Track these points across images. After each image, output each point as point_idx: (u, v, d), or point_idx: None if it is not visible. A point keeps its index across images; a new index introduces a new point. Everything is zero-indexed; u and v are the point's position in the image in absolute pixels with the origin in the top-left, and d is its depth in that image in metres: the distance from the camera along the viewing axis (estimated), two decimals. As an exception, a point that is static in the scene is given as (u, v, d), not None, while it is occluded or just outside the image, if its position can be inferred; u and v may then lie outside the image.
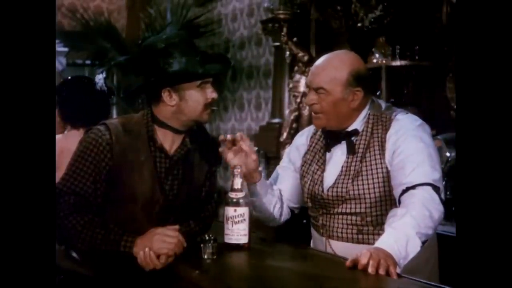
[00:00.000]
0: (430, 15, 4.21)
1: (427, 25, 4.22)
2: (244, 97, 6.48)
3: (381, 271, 1.99)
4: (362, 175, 2.39)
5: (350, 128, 2.45)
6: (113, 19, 7.73)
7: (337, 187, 2.43)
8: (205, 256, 2.23)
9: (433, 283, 2.03)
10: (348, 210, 2.41)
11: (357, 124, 2.45)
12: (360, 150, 2.42)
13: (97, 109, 3.05)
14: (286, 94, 5.24)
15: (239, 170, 2.37)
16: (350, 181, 2.40)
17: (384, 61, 4.28)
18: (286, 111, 5.17)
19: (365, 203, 2.38)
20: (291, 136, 4.93)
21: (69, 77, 3.32)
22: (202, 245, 2.24)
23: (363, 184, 2.38)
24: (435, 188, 2.26)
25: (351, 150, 2.43)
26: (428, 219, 2.18)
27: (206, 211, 2.49)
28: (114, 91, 3.24)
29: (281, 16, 4.94)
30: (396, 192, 2.32)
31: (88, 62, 7.20)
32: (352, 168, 2.41)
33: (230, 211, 2.33)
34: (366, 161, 2.40)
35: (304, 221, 2.70)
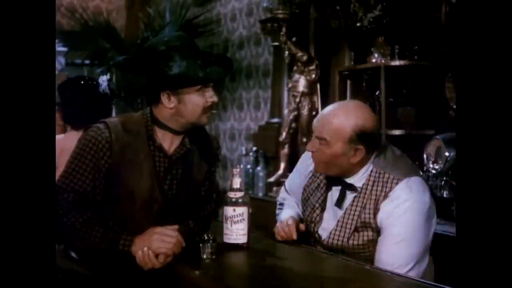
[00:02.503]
0: (429, 15, 4.20)
1: (426, 25, 4.22)
2: (243, 96, 6.48)
3: None
4: (358, 235, 2.39)
5: (348, 180, 2.45)
6: (112, 19, 7.72)
7: (332, 239, 2.45)
8: (204, 256, 2.24)
9: (433, 283, 2.03)
10: (342, 257, 2.41)
11: (357, 179, 2.43)
12: (358, 209, 2.40)
13: (98, 111, 3.04)
14: (285, 94, 5.23)
15: (238, 170, 2.38)
16: (345, 239, 2.41)
17: (383, 61, 4.28)
18: (285, 111, 5.16)
19: (359, 258, 2.38)
20: (290, 136, 4.93)
21: (72, 77, 3.31)
22: (201, 244, 2.24)
23: (358, 244, 2.39)
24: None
25: (339, 204, 2.45)
26: None
27: (205, 211, 2.49)
28: (117, 94, 3.23)
29: (280, 16, 4.93)
30: None
31: (87, 62, 7.18)
32: (348, 226, 2.41)
33: (229, 210, 2.34)
34: (362, 220, 2.39)
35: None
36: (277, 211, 2.76)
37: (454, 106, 3.98)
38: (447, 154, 3.63)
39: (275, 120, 5.37)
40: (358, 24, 4.43)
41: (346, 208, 2.43)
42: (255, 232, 2.56)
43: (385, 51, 4.33)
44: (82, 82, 3.20)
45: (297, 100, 4.87)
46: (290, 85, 4.97)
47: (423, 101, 4.30)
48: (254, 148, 5.60)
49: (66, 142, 2.91)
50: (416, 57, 4.25)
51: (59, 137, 3.03)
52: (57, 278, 2.33)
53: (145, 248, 2.17)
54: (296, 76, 4.88)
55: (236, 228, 2.33)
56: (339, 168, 2.42)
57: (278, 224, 2.60)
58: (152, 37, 6.50)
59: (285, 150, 4.96)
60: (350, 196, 2.44)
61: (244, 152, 5.85)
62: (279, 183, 4.90)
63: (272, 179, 5.03)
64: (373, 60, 4.36)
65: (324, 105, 4.85)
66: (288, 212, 2.66)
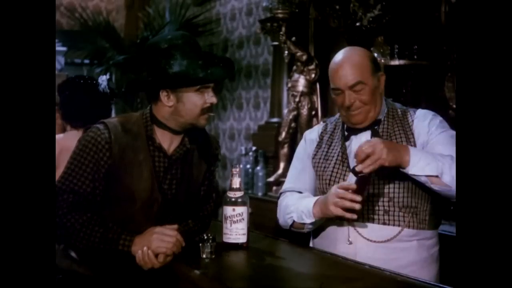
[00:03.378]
0: (428, 15, 4.21)
1: (425, 24, 4.22)
2: (242, 96, 6.48)
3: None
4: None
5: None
6: (111, 18, 7.72)
7: None
8: (204, 256, 2.23)
9: (433, 283, 2.03)
10: (375, 191, 2.39)
11: (380, 115, 2.51)
12: (384, 136, 2.46)
13: (97, 110, 3.04)
14: (285, 94, 5.24)
15: (237, 170, 2.37)
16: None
17: (382, 61, 4.28)
18: (285, 111, 5.16)
19: (394, 183, 2.39)
20: (290, 136, 4.93)
21: (72, 76, 3.31)
22: (200, 244, 2.24)
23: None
24: None
25: (376, 135, 2.46)
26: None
27: (204, 211, 2.49)
28: (116, 93, 3.23)
29: (280, 16, 4.94)
30: None
31: (86, 61, 7.19)
32: None
33: (228, 210, 2.33)
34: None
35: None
36: (289, 218, 2.53)
37: (454, 106, 3.98)
38: (446, 153, 3.62)
39: (275, 119, 5.37)
40: (357, 24, 4.44)
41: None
42: (255, 232, 2.56)
43: (384, 51, 4.33)
44: (81, 81, 3.20)
45: (297, 99, 4.87)
46: (289, 84, 4.97)
47: (422, 101, 4.30)
48: (254, 148, 5.60)
49: (66, 141, 2.91)
50: (415, 57, 4.25)
51: (58, 136, 3.03)
52: (57, 278, 2.33)
53: (145, 248, 2.17)
54: (296, 75, 4.88)
55: (236, 227, 2.33)
56: (375, 106, 2.48)
57: (329, 197, 2.34)
58: (151, 36, 6.50)
59: (285, 149, 4.96)
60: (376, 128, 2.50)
61: (243, 151, 5.85)
62: (278, 182, 4.90)
63: (271, 179, 5.03)
64: (373, 60, 4.35)
65: (323, 105, 4.87)
66: (311, 199, 2.48)
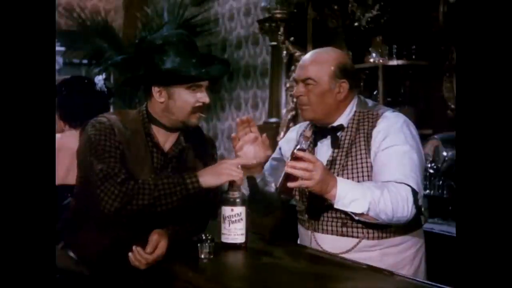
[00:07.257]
0: (427, 15, 4.21)
1: (424, 24, 4.23)
2: (241, 96, 6.48)
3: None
4: (347, 169, 2.40)
5: (335, 123, 2.49)
6: (110, 18, 7.72)
7: None
8: (202, 256, 2.23)
9: (432, 283, 2.03)
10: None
11: (343, 119, 2.49)
12: (346, 145, 2.44)
13: (96, 110, 3.04)
14: (283, 94, 5.24)
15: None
16: (335, 174, 2.39)
17: (381, 61, 4.29)
18: (283, 111, 5.17)
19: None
20: (288, 136, 4.93)
21: (69, 77, 3.32)
22: (199, 244, 2.24)
23: (348, 178, 2.38)
24: (414, 191, 2.29)
25: (335, 144, 2.46)
26: (389, 211, 2.24)
27: (202, 211, 2.48)
28: (113, 93, 3.23)
29: (278, 16, 4.94)
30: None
31: (85, 61, 7.19)
32: (338, 162, 2.43)
33: (227, 210, 2.33)
34: (352, 156, 2.42)
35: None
36: None
37: (452, 106, 3.99)
38: (444, 153, 3.63)
39: (273, 120, 5.37)
40: (356, 24, 4.44)
41: (335, 147, 2.46)
42: (253, 232, 2.56)
43: (383, 51, 4.33)
44: (79, 81, 3.20)
45: (295, 100, 4.86)
46: (288, 84, 4.98)
47: (421, 101, 4.31)
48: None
49: (64, 141, 2.90)
50: (414, 57, 4.26)
51: (57, 136, 3.02)
52: (55, 278, 2.32)
53: (134, 247, 2.17)
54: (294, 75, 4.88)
55: (234, 228, 2.33)
56: (326, 108, 2.46)
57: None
58: (149, 36, 6.50)
59: (279, 143, 4.96)
60: (339, 135, 2.49)
61: (242, 152, 5.83)
62: (276, 183, 4.89)
63: (269, 179, 5.02)
64: (371, 60, 4.37)
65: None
66: None
